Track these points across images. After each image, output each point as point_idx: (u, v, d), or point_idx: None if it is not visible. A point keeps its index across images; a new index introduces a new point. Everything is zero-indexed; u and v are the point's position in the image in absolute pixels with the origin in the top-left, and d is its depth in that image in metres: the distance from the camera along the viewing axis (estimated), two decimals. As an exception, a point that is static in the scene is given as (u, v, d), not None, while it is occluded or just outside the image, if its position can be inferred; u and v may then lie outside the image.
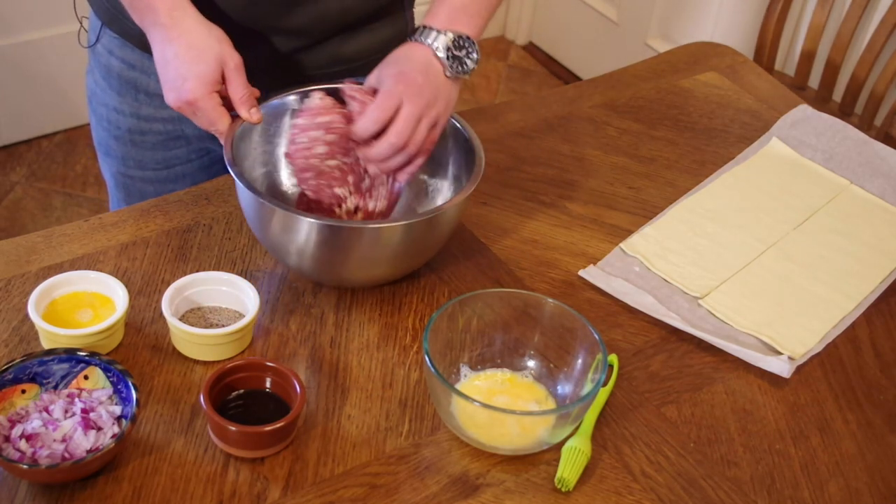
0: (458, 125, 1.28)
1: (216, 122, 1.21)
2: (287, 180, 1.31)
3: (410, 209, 1.31)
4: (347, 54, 1.40)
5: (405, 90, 1.18)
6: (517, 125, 1.55)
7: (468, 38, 1.23)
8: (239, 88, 1.21)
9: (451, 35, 1.22)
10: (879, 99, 2.28)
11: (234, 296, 1.19)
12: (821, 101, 2.40)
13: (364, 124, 1.19)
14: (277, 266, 1.27)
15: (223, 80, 1.20)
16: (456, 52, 1.22)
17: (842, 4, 2.43)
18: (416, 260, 1.24)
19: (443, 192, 1.31)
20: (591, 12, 3.23)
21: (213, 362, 1.15)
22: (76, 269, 1.21)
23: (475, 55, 1.23)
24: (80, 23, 1.46)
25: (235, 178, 1.17)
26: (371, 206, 1.25)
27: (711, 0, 2.84)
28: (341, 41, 1.39)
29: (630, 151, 1.53)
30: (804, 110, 1.62)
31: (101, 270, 1.20)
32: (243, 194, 1.20)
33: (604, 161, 1.51)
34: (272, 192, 1.30)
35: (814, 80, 2.48)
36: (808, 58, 2.42)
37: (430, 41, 1.22)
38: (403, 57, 1.22)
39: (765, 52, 2.45)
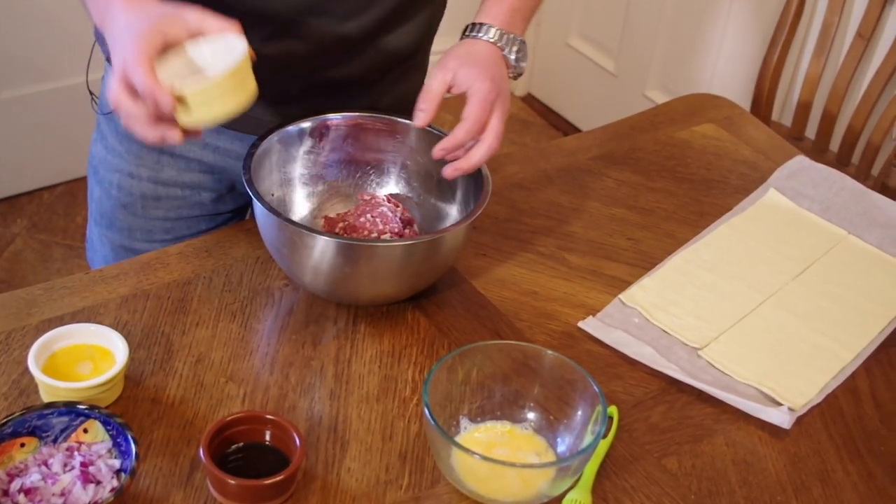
0: None
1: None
2: (301, 201, 1.38)
3: (420, 230, 1.38)
4: (385, 103, 1.43)
5: (497, 98, 1.23)
6: (516, 177, 1.56)
7: (523, 41, 1.30)
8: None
9: (513, 37, 1.29)
10: (876, 149, 2.29)
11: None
12: (818, 151, 2.41)
13: (465, 134, 1.23)
14: (277, 318, 1.28)
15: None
16: (518, 55, 1.30)
17: (837, 55, 2.45)
18: (423, 279, 1.28)
19: (451, 214, 1.36)
20: (589, 64, 3.26)
21: (213, 417, 1.14)
22: (76, 322, 1.21)
23: (525, 59, 1.31)
24: (91, 94, 1.46)
25: (253, 198, 1.22)
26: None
27: (709, 51, 2.87)
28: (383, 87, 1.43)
29: (629, 203, 1.54)
30: (801, 161, 1.63)
31: (101, 323, 1.20)
32: (260, 213, 1.24)
33: (603, 212, 1.51)
34: (288, 214, 1.36)
35: (811, 131, 2.49)
36: (804, 108, 2.44)
37: (499, 42, 1.28)
38: (481, 57, 1.27)
39: (762, 103, 2.46)
